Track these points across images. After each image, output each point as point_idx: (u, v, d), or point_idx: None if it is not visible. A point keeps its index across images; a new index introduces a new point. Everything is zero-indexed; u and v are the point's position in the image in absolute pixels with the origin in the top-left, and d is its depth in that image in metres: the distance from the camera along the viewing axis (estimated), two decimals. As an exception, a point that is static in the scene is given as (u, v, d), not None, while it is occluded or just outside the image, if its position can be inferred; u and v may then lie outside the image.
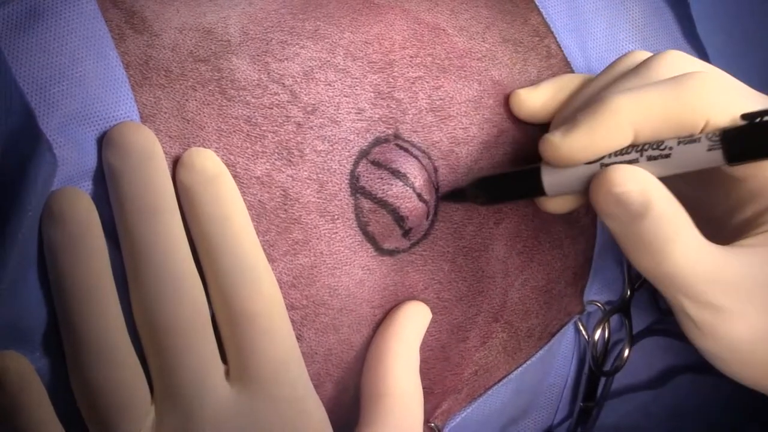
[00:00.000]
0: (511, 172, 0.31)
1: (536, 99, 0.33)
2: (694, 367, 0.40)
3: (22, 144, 0.26)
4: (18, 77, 0.27)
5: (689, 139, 0.27)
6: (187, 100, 0.29)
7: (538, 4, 0.35)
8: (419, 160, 0.32)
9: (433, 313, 0.33)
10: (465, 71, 0.33)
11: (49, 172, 0.27)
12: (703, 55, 0.37)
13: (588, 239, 0.36)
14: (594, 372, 0.38)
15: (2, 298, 0.26)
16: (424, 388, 0.33)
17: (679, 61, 0.30)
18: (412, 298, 0.33)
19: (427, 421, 0.35)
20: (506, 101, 0.34)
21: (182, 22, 0.30)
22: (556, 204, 0.32)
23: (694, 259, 0.27)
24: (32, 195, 0.26)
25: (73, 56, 0.28)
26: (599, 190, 0.27)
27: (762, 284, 0.28)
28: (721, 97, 0.27)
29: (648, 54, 0.31)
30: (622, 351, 0.38)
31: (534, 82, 0.35)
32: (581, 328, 0.38)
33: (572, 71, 0.35)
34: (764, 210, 0.29)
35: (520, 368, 0.36)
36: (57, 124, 0.28)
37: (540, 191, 0.30)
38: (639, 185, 0.27)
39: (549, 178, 0.30)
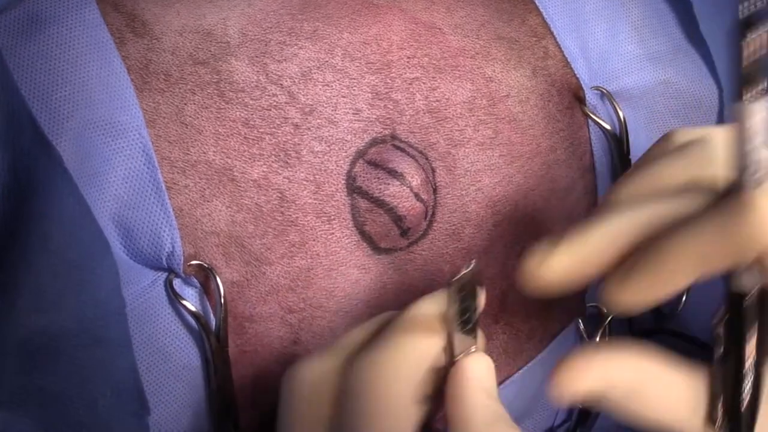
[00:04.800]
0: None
1: (559, 262, 0.27)
2: None
3: (33, 162, 0.26)
4: (20, 84, 0.28)
5: None
6: (185, 104, 0.30)
7: (537, 4, 0.36)
8: (416, 161, 0.32)
9: None
10: (459, 70, 0.33)
11: (63, 190, 0.27)
12: (705, 55, 0.38)
13: (588, 240, 0.36)
14: (594, 374, 0.38)
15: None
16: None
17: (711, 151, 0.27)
18: (411, 297, 0.33)
19: (429, 426, 0.35)
20: (499, 101, 0.34)
21: (182, 25, 0.31)
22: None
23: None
24: (50, 221, 0.26)
25: (76, 62, 0.29)
26: (560, 392, 0.27)
27: None
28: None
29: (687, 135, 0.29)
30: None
31: (529, 79, 0.35)
32: (582, 329, 0.38)
33: (572, 72, 0.36)
34: None
35: (522, 370, 0.36)
36: (60, 130, 0.28)
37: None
38: (589, 386, 0.26)
39: None
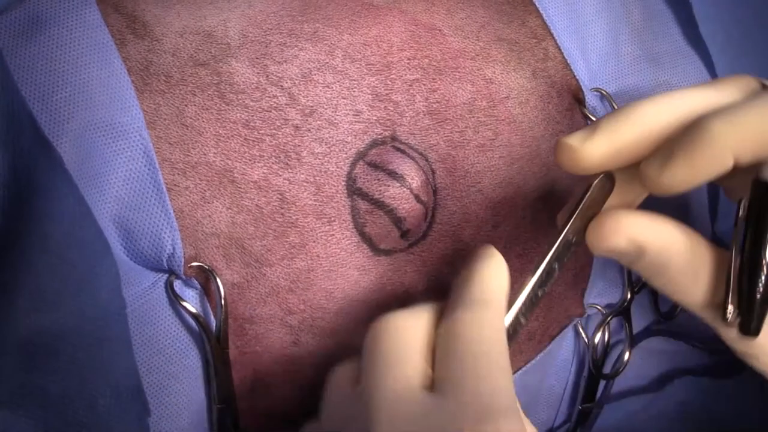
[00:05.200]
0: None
1: (597, 149, 0.28)
2: (694, 370, 0.41)
3: (34, 163, 0.26)
4: (21, 85, 0.28)
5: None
6: (186, 105, 0.30)
7: (537, 5, 0.36)
8: (416, 162, 0.32)
9: None
10: (459, 72, 0.33)
11: (64, 190, 0.27)
12: (705, 56, 0.38)
13: (588, 241, 0.36)
14: (594, 375, 0.38)
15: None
16: None
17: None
18: (411, 298, 0.33)
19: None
20: (499, 102, 0.34)
21: (183, 26, 0.31)
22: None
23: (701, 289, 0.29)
24: (50, 221, 0.26)
25: (77, 63, 0.29)
26: (591, 243, 0.29)
27: None
28: None
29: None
30: (622, 354, 0.38)
31: (529, 81, 0.35)
32: (581, 331, 0.38)
33: (572, 73, 0.36)
34: None
35: (521, 371, 0.36)
36: (61, 131, 0.28)
37: None
38: (624, 237, 0.29)
39: None
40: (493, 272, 0.29)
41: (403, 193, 0.32)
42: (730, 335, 0.30)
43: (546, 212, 0.35)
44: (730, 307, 0.29)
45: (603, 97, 0.36)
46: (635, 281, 0.38)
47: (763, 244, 0.28)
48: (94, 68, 0.29)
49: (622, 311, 0.38)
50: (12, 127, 0.26)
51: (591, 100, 0.36)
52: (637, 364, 0.39)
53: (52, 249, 0.27)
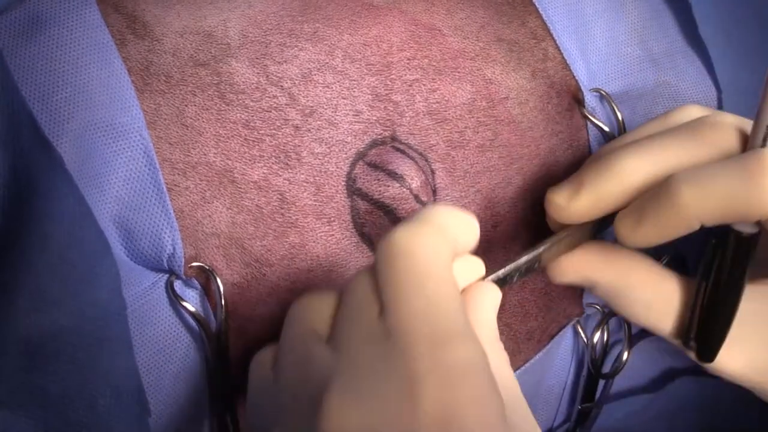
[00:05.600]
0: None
1: (581, 205, 0.31)
2: (694, 369, 0.41)
3: (34, 163, 0.26)
4: (21, 85, 0.28)
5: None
6: (186, 105, 0.30)
7: (537, 5, 0.36)
8: (416, 162, 0.32)
9: None
10: (459, 72, 0.33)
11: (64, 190, 0.27)
12: (704, 57, 0.38)
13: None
14: (593, 374, 0.38)
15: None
16: None
17: (732, 127, 0.30)
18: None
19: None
20: (499, 102, 0.34)
21: (183, 26, 0.31)
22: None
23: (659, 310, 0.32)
24: (50, 221, 0.26)
25: (77, 63, 0.29)
26: (550, 275, 0.33)
27: (750, 323, 0.31)
28: None
29: (701, 111, 0.32)
30: (621, 353, 0.38)
31: (528, 81, 0.35)
32: (580, 330, 0.38)
33: (571, 74, 0.36)
34: None
35: (519, 371, 0.36)
36: (61, 131, 0.28)
37: None
38: (576, 276, 0.32)
39: None
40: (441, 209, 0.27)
41: (402, 194, 0.32)
42: (690, 354, 0.32)
43: (545, 212, 0.35)
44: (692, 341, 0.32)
45: (602, 97, 0.36)
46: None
47: (726, 286, 0.30)
48: (94, 68, 0.29)
49: (621, 311, 0.38)
50: (12, 127, 0.26)
51: (590, 100, 0.36)
52: (636, 364, 0.39)
53: (52, 249, 0.27)
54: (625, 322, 0.38)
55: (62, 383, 0.27)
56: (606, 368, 0.39)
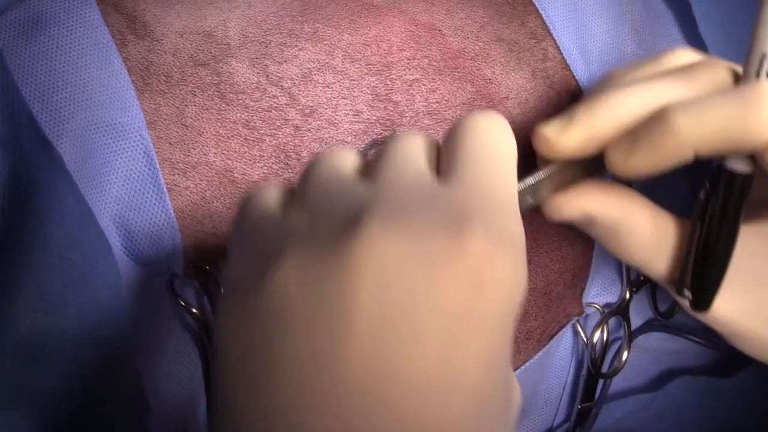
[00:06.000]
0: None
1: (572, 139, 0.29)
2: (693, 369, 0.41)
3: (34, 163, 0.26)
4: (21, 85, 0.28)
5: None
6: (186, 105, 0.30)
7: (537, 5, 0.36)
8: (416, 163, 0.32)
9: None
10: (459, 72, 0.33)
11: (64, 190, 0.27)
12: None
13: (586, 241, 0.37)
14: (592, 374, 0.38)
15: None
16: None
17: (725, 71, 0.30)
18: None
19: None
20: (499, 102, 0.34)
21: (183, 26, 0.31)
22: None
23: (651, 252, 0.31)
24: (50, 221, 0.26)
25: (77, 63, 0.29)
26: (549, 215, 0.32)
27: (746, 267, 0.30)
28: None
29: (693, 54, 0.32)
30: (620, 353, 0.38)
31: (528, 81, 0.35)
32: (580, 330, 0.38)
33: (571, 74, 0.36)
34: None
35: (519, 370, 0.36)
36: (61, 131, 0.28)
37: None
38: (575, 211, 0.31)
39: None
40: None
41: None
42: (684, 304, 0.32)
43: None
44: (686, 286, 0.31)
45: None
46: (634, 280, 0.38)
47: (724, 229, 0.30)
48: (94, 68, 0.29)
49: (620, 310, 0.38)
50: (12, 127, 0.26)
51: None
52: (635, 363, 0.39)
53: (52, 249, 0.27)
54: (624, 322, 0.38)
55: (62, 383, 0.27)
56: (605, 367, 0.39)
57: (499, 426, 0.22)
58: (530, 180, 0.29)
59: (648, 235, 0.31)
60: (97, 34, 0.30)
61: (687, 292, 0.31)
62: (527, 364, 0.37)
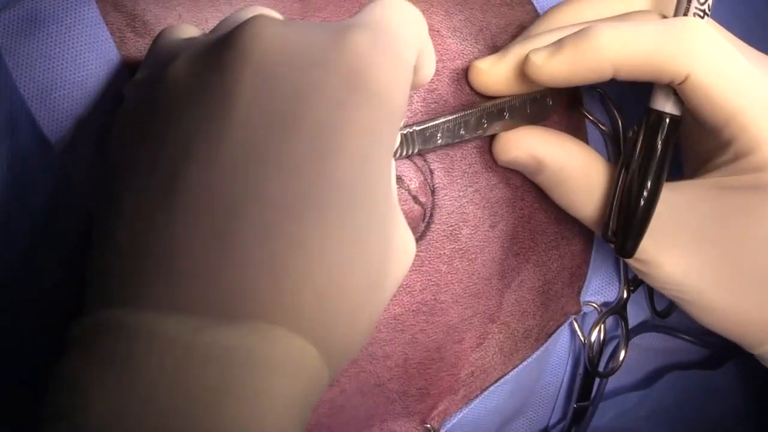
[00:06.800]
0: None
1: (556, 68, 0.30)
2: (682, 364, 0.41)
3: (33, 161, 0.26)
4: (20, 83, 0.28)
5: None
6: None
7: (536, 5, 0.36)
8: (414, 163, 0.32)
9: (430, 314, 0.33)
10: (458, 73, 0.33)
11: (60, 186, 0.27)
12: None
13: (584, 240, 0.37)
14: (589, 373, 0.38)
15: None
16: (420, 389, 0.34)
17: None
18: (409, 298, 0.33)
19: (423, 422, 0.35)
20: None
21: None
22: None
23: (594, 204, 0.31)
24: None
25: (75, 61, 0.29)
26: (496, 153, 0.33)
27: (688, 223, 0.30)
28: (708, 52, 0.28)
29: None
30: (617, 352, 0.38)
31: None
32: (577, 328, 0.38)
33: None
34: (723, 152, 0.30)
35: (516, 369, 0.37)
36: (60, 129, 0.28)
37: None
38: (523, 152, 0.32)
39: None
40: None
41: (401, 195, 0.32)
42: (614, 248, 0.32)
43: (543, 212, 0.35)
44: (612, 226, 0.31)
45: (601, 96, 0.36)
46: (632, 279, 0.38)
47: (647, 170, 0.30)
48: (93, 66, 0.29)
49: (618, 309, 0.38)
50: (11, 125, 0.26)
51: (589, 99, 0.36)
52: (629, 362, 0.39)
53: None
54: (621, 321, 0.38)
55: None
56: (601, 366, 0.39)
57: (373, 242, 0.23)
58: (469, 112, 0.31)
59: (582, 176, 0.31)
60: (95, 31, 0.30)
61: (611, 236, 0.31)
62: (525, 362, 0.37)
